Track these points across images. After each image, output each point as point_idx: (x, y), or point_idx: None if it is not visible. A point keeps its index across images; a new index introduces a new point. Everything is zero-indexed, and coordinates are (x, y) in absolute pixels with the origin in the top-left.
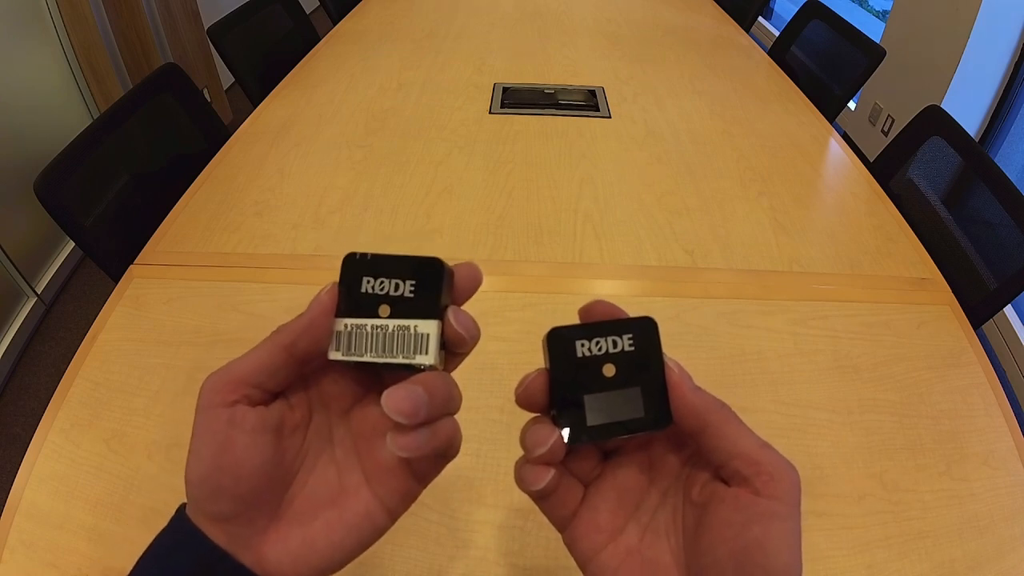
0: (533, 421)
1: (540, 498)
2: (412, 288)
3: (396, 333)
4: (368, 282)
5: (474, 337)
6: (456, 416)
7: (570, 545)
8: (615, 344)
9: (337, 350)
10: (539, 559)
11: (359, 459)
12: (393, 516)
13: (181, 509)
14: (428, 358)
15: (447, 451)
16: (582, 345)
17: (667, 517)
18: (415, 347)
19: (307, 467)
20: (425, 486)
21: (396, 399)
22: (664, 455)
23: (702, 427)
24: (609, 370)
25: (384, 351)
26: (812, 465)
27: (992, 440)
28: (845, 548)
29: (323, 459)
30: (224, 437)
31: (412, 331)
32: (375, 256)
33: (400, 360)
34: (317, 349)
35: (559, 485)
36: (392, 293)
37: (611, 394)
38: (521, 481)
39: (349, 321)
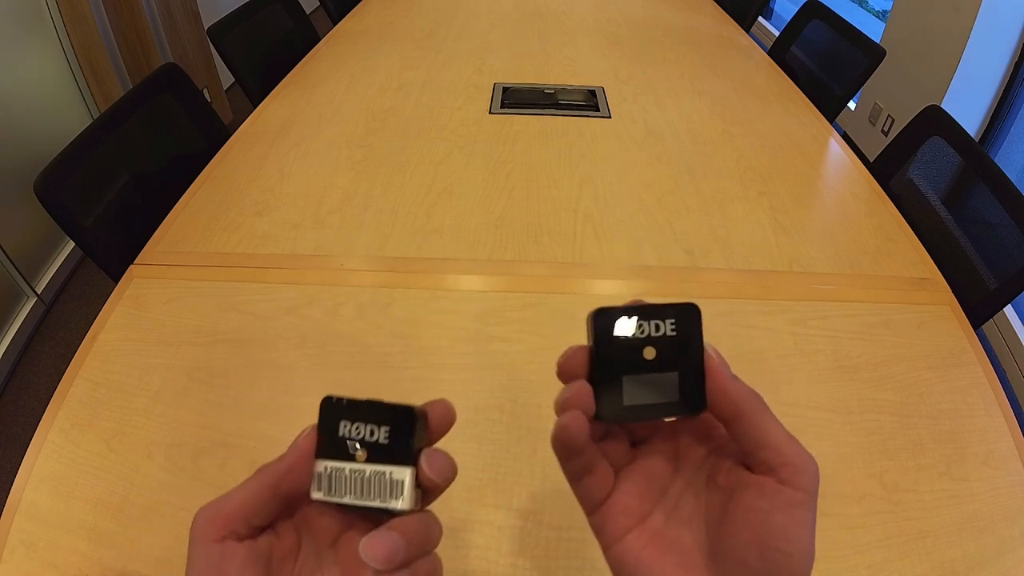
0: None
1: (576, 479)
2: (387, 434)
3: (372, 478)
4: (345, 426)
5: (447, 479)
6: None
7: (598, 528)
8: (657, 328)
9: (319, 490)
10: (539, 559)
11: None
12: None
13: None
14: (403, 503)
15: None
16: (625, 326)
17: (690, 504)
18: (391, 492)
19: None
20: None
21: (372, 547)
22: (690, 444)
23: (737, 415)
24: (650, 353)
25: (362, 495)
26: None
27: (992, 440)
28: (845, 548)
29: None
30: (217, 571)
31: (388, 476)
32: (351, 401)
33: (377, 504)
34: (300, 488)
35: (595, 467)
36: (368, 438)
37: (650, 377)
38: (559, 432)
39: (328, 463)
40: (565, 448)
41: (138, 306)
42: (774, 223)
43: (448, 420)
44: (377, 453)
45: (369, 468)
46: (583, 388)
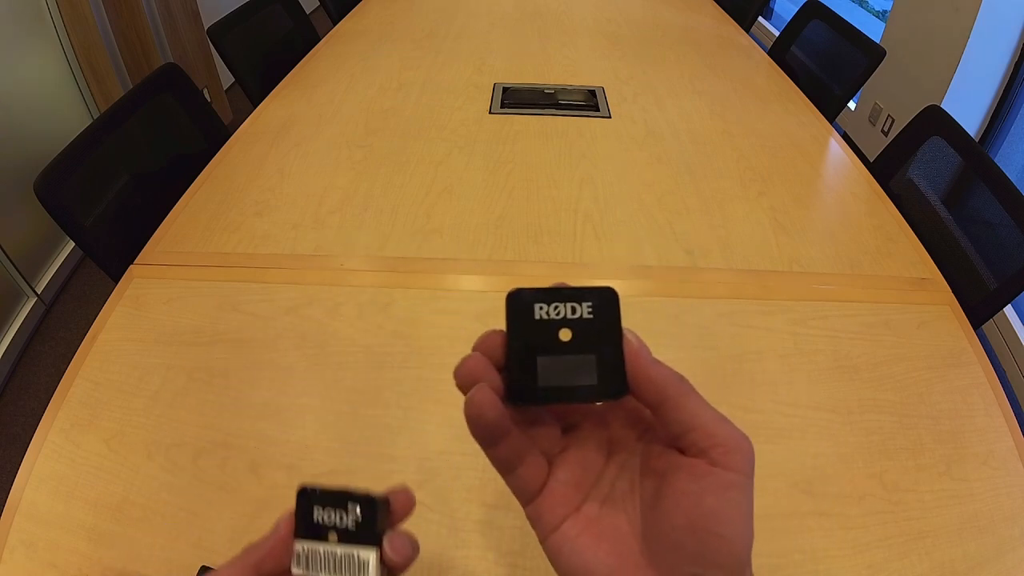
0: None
1: (506, 470)
2: (354, 520)
3: (343, 557)
4: (318, 512)
5: (407, 558)
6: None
7: (534, 519)
8: (573, 311)
9: (298, 567)
10: (539, 559)
11: None
12: None
13: None
14: None
15: None
16: (540, 308)
17: (624, 488)
18: (359, 570)
19: None
20: None
21: None
22: (622, 428)
23: (661, 400)
24: (565, 335)
25: (335, 572)
26: (812, 465)
27: (992, 440)
28: (845, 548)
29: None
30: None
31: (356, 557)
32: (323, 490)
33: None
34: (282, 567)
35: (525, 456)
36: (338, 524)
37: (565, 358)
38: (469, 409)
39: (306, 544)
40: (481, 428)
41: (138, 306)
42: (774, 223)
43: (409, 507)
44: (346, 536)
45: (340, 549)
46: (476, 359)
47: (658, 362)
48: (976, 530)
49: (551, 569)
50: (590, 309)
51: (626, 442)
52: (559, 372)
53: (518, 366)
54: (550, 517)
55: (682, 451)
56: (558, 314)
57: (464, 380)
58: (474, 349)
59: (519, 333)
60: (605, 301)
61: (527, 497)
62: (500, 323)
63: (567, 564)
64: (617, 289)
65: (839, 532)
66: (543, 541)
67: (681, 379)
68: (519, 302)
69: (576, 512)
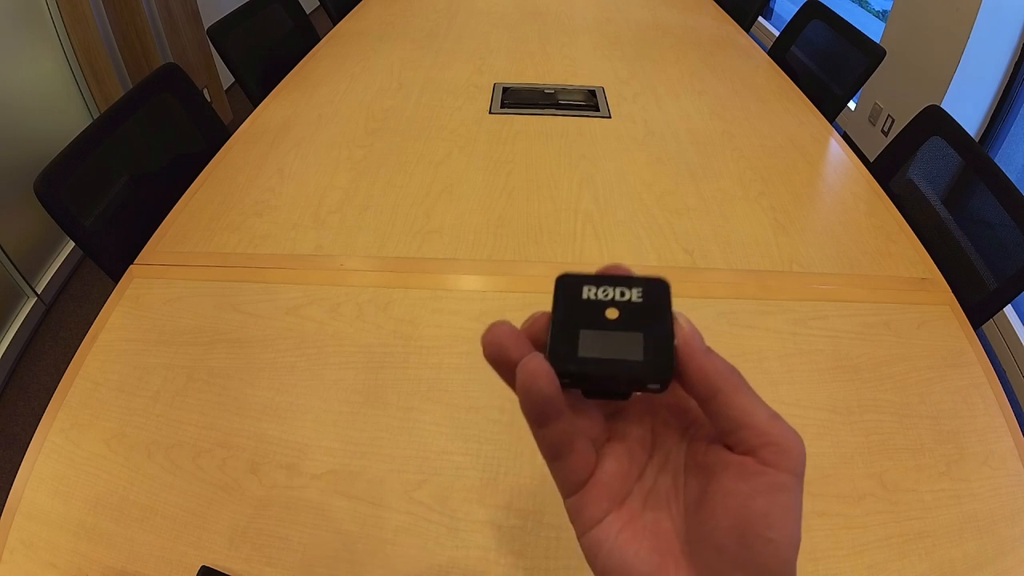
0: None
1: (554, 456)
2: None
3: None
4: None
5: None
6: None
7: (575, 512)
8: (623, 294)
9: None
10: (539, 559)
11: None
12: None
13: None
14: None
15: None
16: (589, 289)
17: (667, 484)
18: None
19: None
20: None
21: None
22: (664, 422)
23: (712, 393)
24: (612, 313)
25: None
26: (812, 465)
27: (992, 440)
28: (845, 548)
29: None
30: None
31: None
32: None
33: None
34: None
35: (574, 442)
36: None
37: (610, 334)
38: (524, 380)
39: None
40: (533, 401)
41: (138, 306)
42: (774, 223)
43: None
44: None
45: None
46: (503, 326)
47: (711, 351)
48: (976, 530)
49: (551, 569)
50: (640, 294)
51: (670, 436)
52: (603, 345)
53: (560, 339)
54: (593, 510)
55: (730, 448)
56: (606, 296)
57: (493, 349)
58: (523, 328)
59: (564, 310)
60: (657, 289)
61: (571, 488)
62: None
63: (605, 561)
64: None
65: (839, 532)
66: (581, 536)
67: (733, 371)
68: (568, 282)
69: (619, 507)
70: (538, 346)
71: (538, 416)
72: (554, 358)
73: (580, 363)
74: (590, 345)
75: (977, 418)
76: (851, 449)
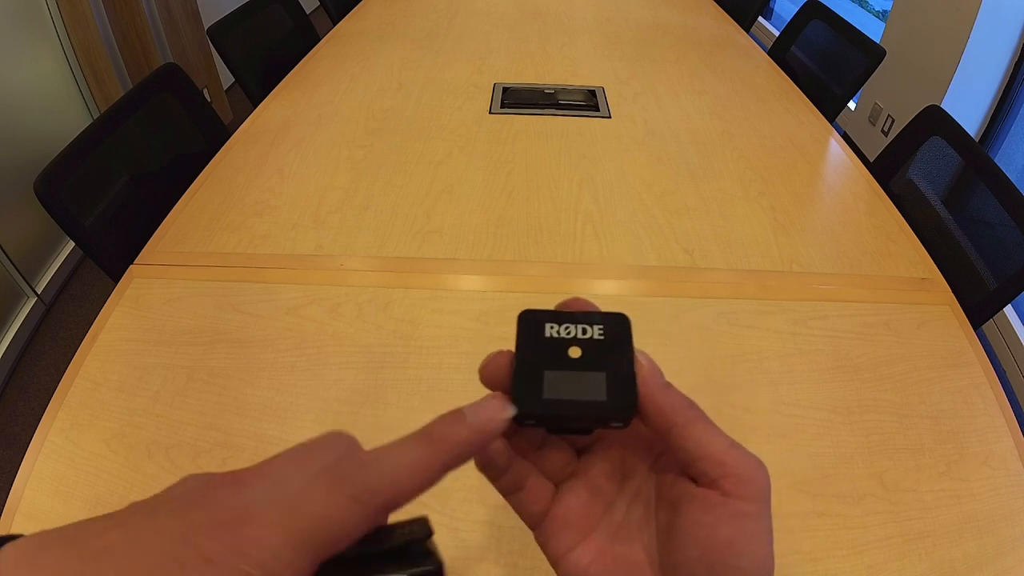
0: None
1: (507, 493)
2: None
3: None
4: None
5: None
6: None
7: (542, 543)
8: (584, 331)
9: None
10: (540, 559)
11: None
12: None
13: None
14: None
15: None
16: (551, 327)
17: (639, 515)
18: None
19: None
20: None
21: None
22: (634, 455)
23: (667, 427)
24: (575, 352)
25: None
26: (812, 465)
27: (992, 440)
28: (845, 548)
29: None
30: None
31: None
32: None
33: None
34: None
35: (525, 482)
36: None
37: (573, 374)
38: (480, 459)
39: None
40: (490, 471)
41: (138, 306)
42: (774, 223)
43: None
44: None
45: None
46: (503, 356)
47: (669, 386)
48: (976, 530)
49: (551, 569)
50: (601, 331)
51: (640, 468)
52: (566, 386)
53: (524, 380)
54: (556, 544)
55: (694, 479)
56: (568, 333)
57: (491, 380)
58: (481, 371)
59: (528, 349)
60: (617, 325)
61: (531, 520)
62: (500, 323)
63: None
64: (617, 289)
65: (839, 532)
66: (554, 566)
67: (690, 405)
68: (530, 320)
69: (585, 540)
70: (499, 380)
71: (492, 476)
72: (518, 399)
73: (544, 405)
74: (554, 386)
75: (977, 418)
76: (851, 449)
